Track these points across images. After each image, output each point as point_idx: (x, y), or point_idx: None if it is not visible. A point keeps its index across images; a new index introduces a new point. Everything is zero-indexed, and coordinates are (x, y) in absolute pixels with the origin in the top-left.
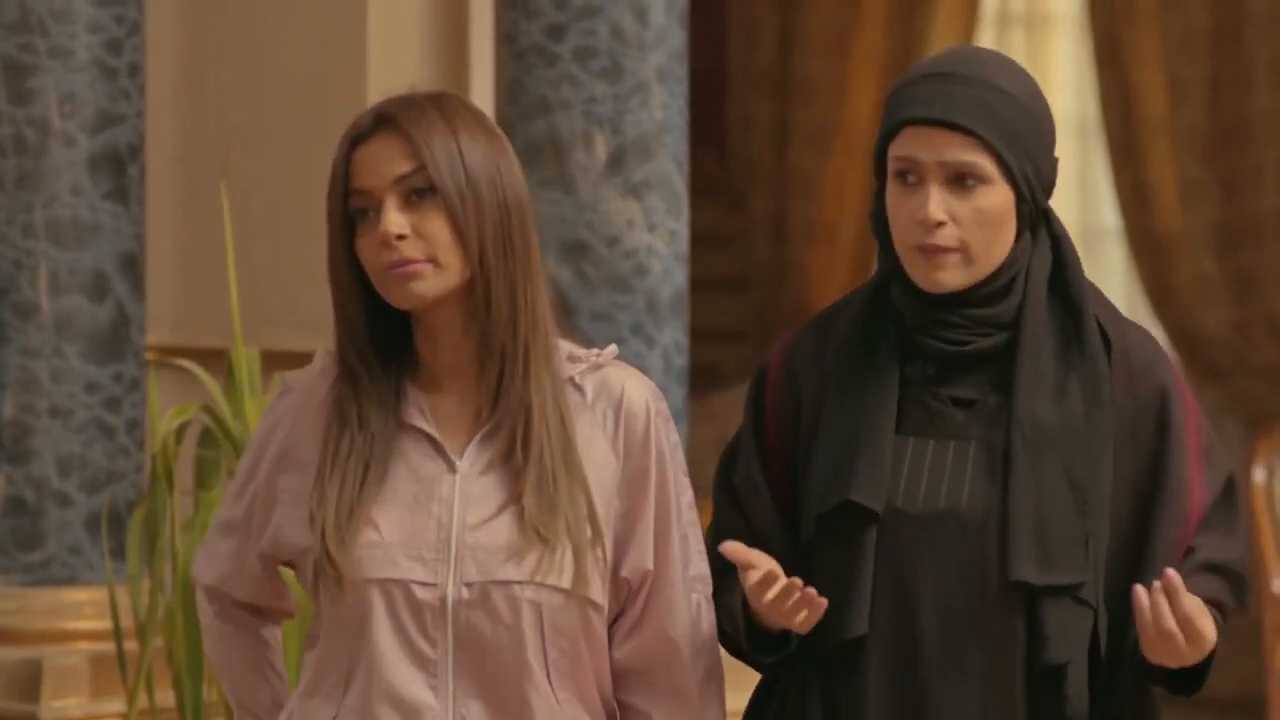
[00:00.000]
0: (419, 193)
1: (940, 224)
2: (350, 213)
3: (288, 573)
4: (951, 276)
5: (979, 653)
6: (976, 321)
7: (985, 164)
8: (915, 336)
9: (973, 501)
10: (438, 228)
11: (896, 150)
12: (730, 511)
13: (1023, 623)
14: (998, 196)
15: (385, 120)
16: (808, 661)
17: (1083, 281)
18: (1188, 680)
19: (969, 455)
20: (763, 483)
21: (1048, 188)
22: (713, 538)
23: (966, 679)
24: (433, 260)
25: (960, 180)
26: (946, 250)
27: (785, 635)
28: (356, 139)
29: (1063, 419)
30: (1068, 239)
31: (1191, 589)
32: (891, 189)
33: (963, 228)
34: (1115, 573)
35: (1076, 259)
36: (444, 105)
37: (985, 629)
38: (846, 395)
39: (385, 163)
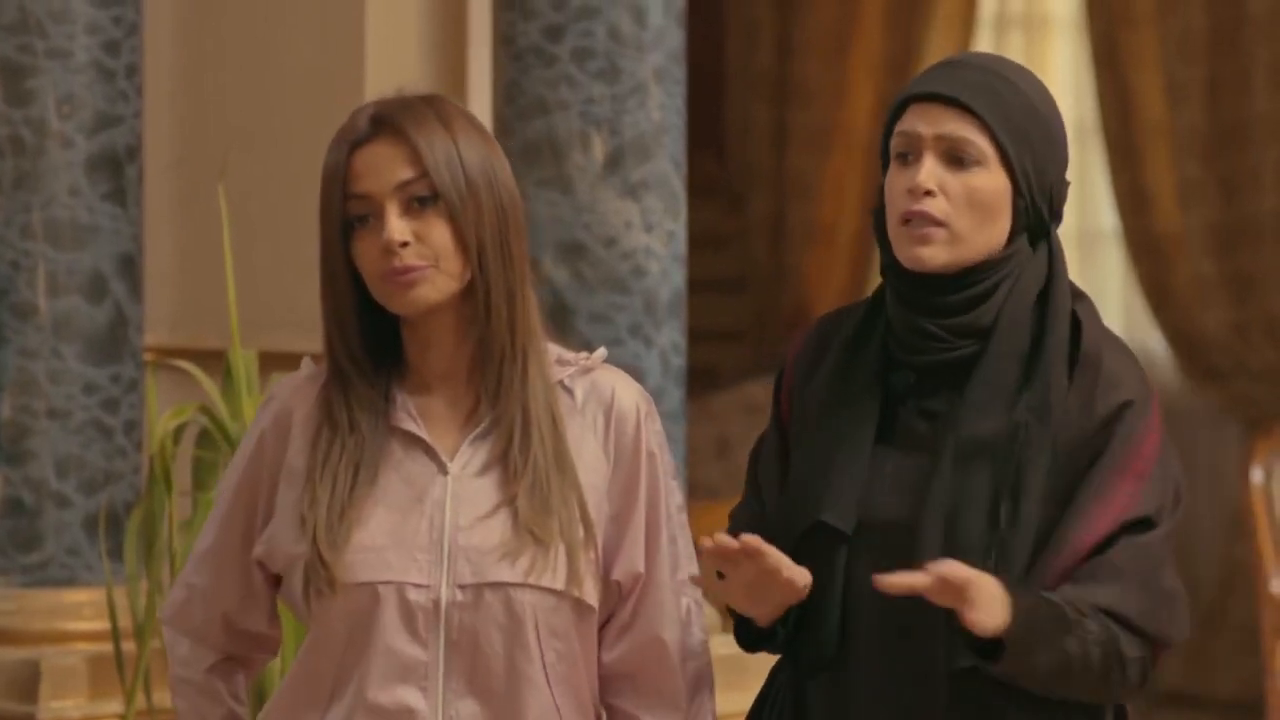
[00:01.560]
0: (421, 200)
1: (929, 193)
2: (349, 217)
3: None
4: (934, 254)
5: (912, 661)
6: (953, 330)
7: (982, 143)
8: (893, 349)
9: (914, 512)
10: (440, 234)
11: (899, 128)
12: (753, 499)
13: (943, 635)
14: (992, 180)
15: (383, 123)
16: (787, 677)
17: (1063, 302)
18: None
19: (924, 467)
20: (778, 470)
21: (1050, 196)
22: (733, 523)
23: (903, 689)
24: (434, 266)
25: (957, 159)
26: (931, 222)
27: (773, 630)
28: (356, 142)
29: (1001, 431)
30: (1063, 261)
31: (1068, 595)
32: (891, 170)
33: (952, 203)
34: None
35: (1065, 280)
36: (439, 108)
37: (914, 638)
38: (829, 407)
39: (387, 168)
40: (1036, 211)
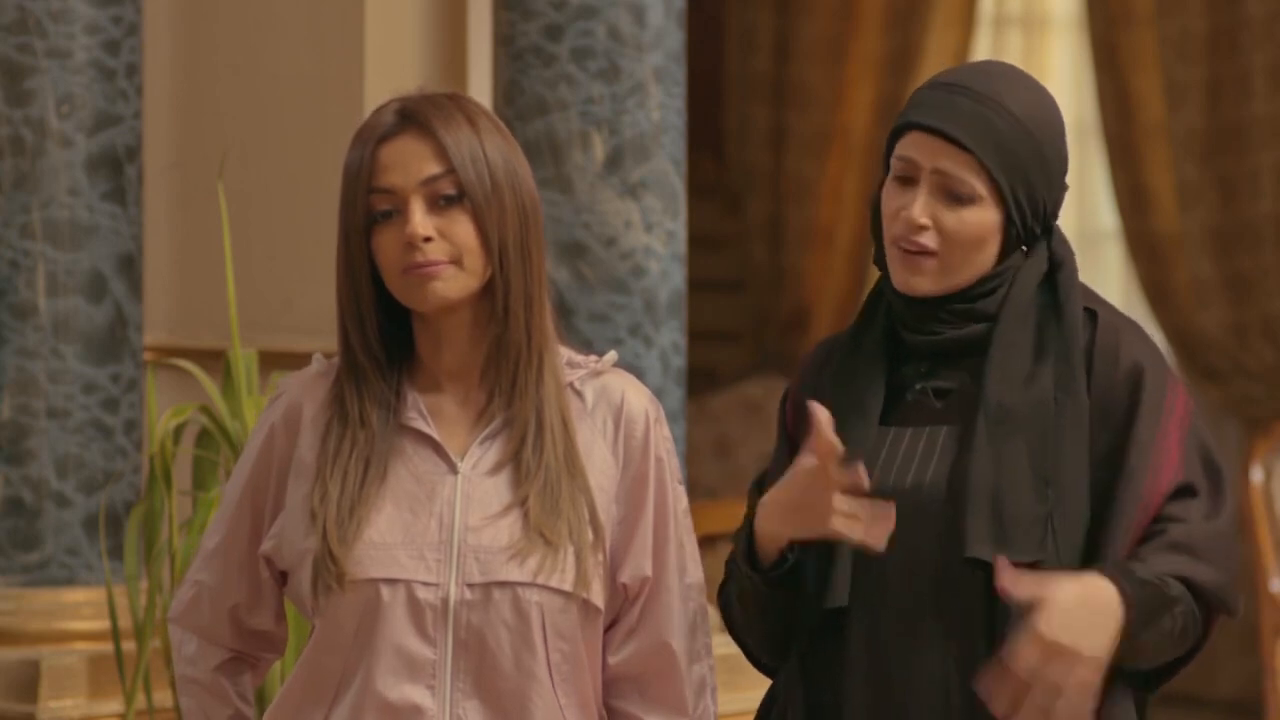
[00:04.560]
0: (446, 198)
1: (922, 227)
2: (371, 212)
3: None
4: (924, 282)
5: (940, 628)
6: (959, 315)
7: (976, 182)
8: (901, 332)
9: (935, 479)
10: (463, 231)
11: (900, 150)
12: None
13: (983, 600)
14: (984, 216)
15: (410, 119)
16: (792, 645)
17: (1072, 286)
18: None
19: (940, 439)
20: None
21: (1041, 215)
22: (742, 529)
23: (929, 653)
24: (456, 263)
25: (953, 195)
26: (923, 253)
27: (780, 561)
28: (382, 137)
29: (1030, 403)
30: (1069, 257)
31: (1154, 566)
32: (889, 184)
33: (943, 237)
34: (1082, 552)
35: (1073, 270)
36: (464, 106)
37: (946, 606)
38: (839, 391)
39: (413, 162)
40: (1029, 231)
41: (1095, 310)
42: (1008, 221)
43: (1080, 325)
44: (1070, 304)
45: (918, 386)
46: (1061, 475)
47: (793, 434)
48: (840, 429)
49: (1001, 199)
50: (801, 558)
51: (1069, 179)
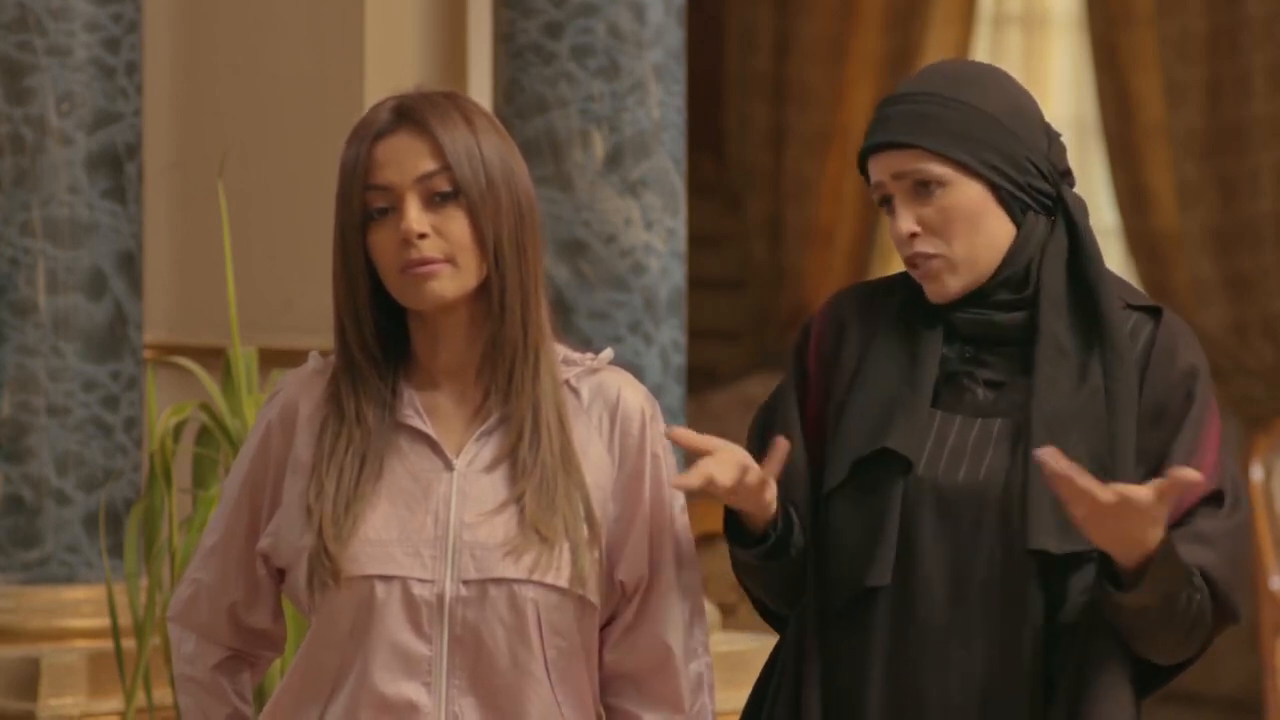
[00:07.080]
0: (442, 195)
1: (913, 235)
2: (368, 210)
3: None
4: (949, 284)
5: (985, 621)
6: (997, 305)
7: (934, 166)
8: (948, 313)
9: (991, 476)
10: (458, 229)
11: (871, 182)
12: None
13: (1037, 591)
14: (961, 193)
15: (406, 116)
16: (807, 621)
17: (1100, 261)
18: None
19: (992, 433)
20: (798, 433)
21: (1035, 169)
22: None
23: (971, 646)
24: (451, 261)
25: (923, 188)
26: (929, 257)
27: (764, 535)
28: (378, 134)
29: (1082, 401)
30: (1085, 224)
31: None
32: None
33: (934, 232)
34: None
35: (1094, 242)
36: (461, 104)
37: (995, 598)
38: (888, 362)
39: (409, 159)
40: (1031, 189)
41: (1160, 308)
42: (994, 187)
43: (1120, 315)
44: (1105, 294)
45: (977, 376)
46: (1115, 460)
47: (814, 369)
48: (886, 405)
49: (968, 169)
50: (784, 534)
51: (1057, 131)
